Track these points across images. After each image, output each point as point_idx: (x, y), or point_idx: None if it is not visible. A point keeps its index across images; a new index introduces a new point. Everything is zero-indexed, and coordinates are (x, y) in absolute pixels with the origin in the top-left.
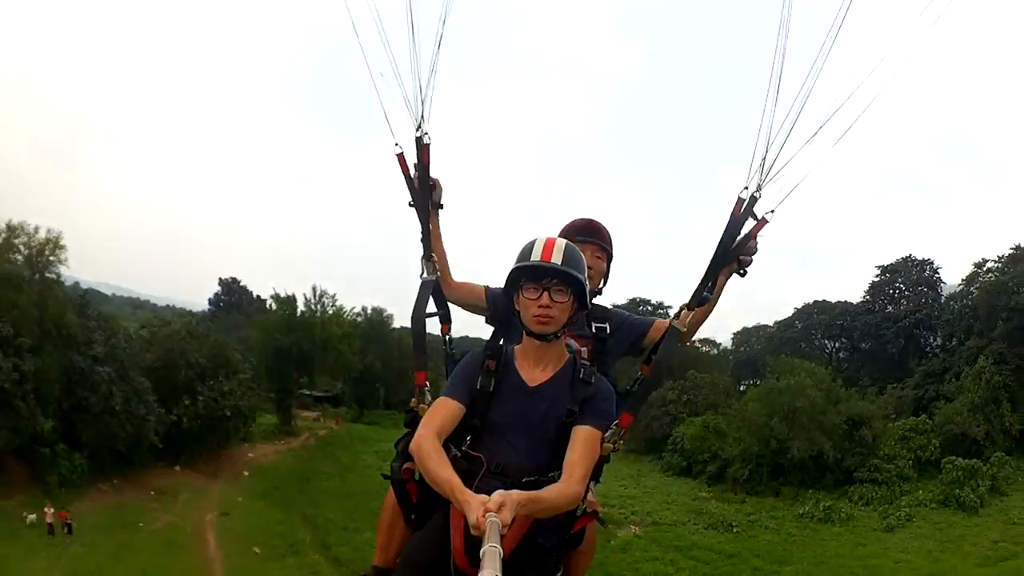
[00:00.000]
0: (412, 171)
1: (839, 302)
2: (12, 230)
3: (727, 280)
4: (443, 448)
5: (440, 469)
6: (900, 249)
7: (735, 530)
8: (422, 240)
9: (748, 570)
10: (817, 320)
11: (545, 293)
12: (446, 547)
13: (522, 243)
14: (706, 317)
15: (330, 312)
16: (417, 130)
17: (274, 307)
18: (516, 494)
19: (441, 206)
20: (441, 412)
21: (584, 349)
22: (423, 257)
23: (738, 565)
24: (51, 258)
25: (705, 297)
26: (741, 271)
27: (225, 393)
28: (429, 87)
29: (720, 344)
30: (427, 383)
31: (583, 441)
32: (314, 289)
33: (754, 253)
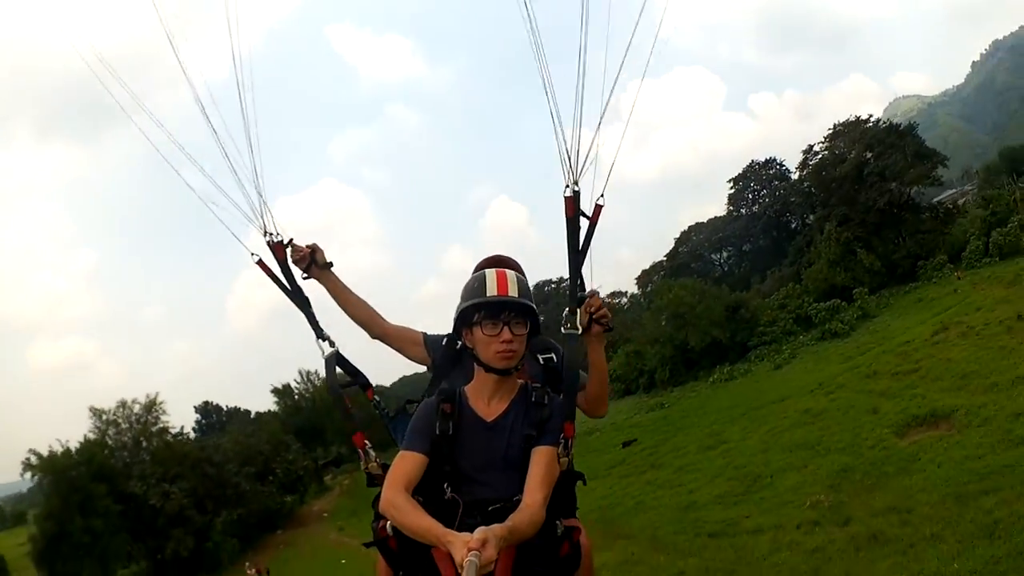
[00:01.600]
0: (277, 270)
1: (710, 219)
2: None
3: (600, 342)
4: (413, 499)
5: (416, 518)
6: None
7: (665, 407)
8: (310, 324)
9: (675, 425)
10: (697, 240)
11: (506, 328)
12: None
13: (461, 279)
14: (605, 382)
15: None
16: (266, 235)
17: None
18: (497, 528)
19: (331, 264)
20: (404, 466)
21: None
22: (317, 338)
23: (667, 422)
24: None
25: (582, 296)
26: (606, 329)
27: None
28: (265, 194)
29: (627, 292)
30: (366, 442)
31: (542, 462)
32: (301, 372)
33: (609, 318)
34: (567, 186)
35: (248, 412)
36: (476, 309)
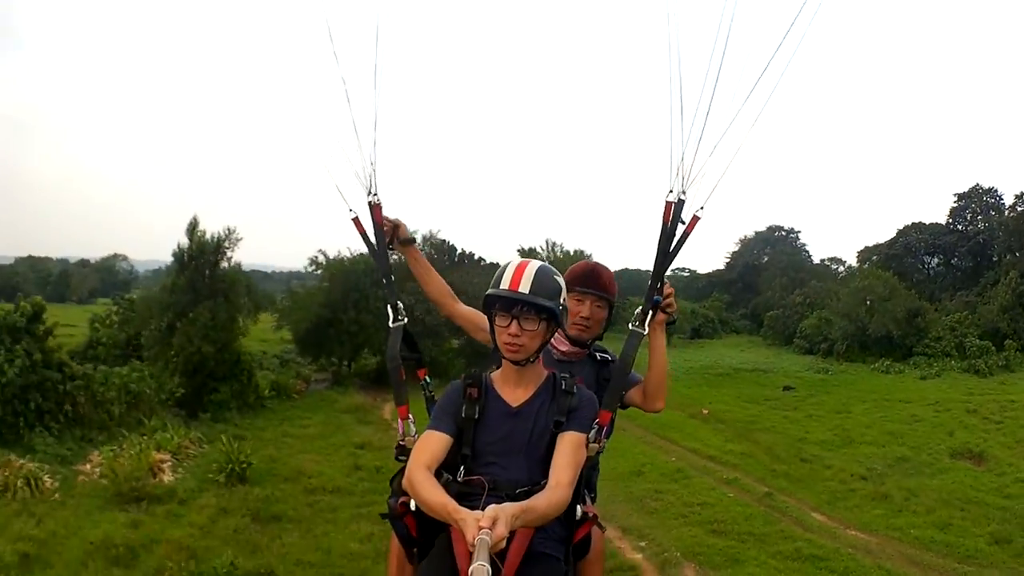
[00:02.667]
0: (370, 232)
1: (930, 223)
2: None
3: (662, 331)
4: (435, 476)
5: (433, 494)
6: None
7: (828, 372)
8: (387, 291)
9: (826, 388)
10: (914, 239)
11: (514, 322)
12: (453, 566)
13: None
14: (664, 373)
15: None
16: (369, 194)
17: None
18: (509, 507)
19: (413, 240)
20: (428, 445)
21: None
22: (390, 305)
23: (822, 385)
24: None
25: (656, 300)
26: (671, 320)
27: None
28: (376, 157)
29: (846, 262)
30: (410, 416)
31: (567, 445)
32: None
33: (675, 309)
34: (671, 190)
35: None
36: (492, 300)
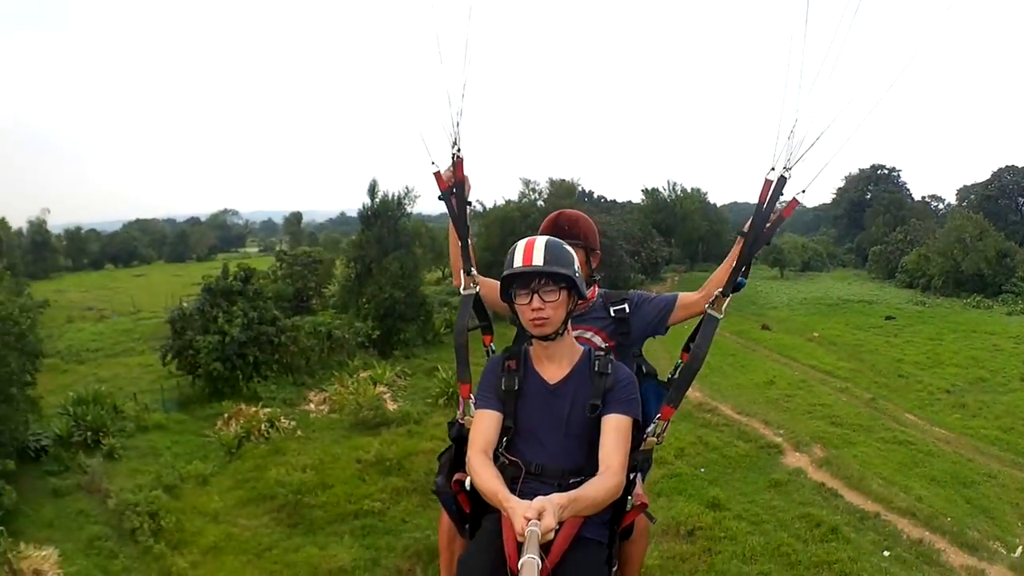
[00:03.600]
0: (448, 185)
1: None
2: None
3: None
4: (490, 461)
5: (487, 481)
6: None
7: (925, 305)
8: (462, 254)
9: (922, 318)
10: (1009, 180)
11: (535, 296)
12: (500, 553)
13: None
14: (723, 282)
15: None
16: (453, 146)
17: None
18: (557, 497)
19: (469, 203)
20: (482, 428)
21: (599, 337)
22: (464, 271)
23: (919, 316)
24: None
25: (740, 283)
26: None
27: None
28: (462, 110)
29: (945, 200)
30: (471, 396)
31: (614, 430)
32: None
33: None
34: (772, 168)
35: (618, 202)
36: (509, 281)
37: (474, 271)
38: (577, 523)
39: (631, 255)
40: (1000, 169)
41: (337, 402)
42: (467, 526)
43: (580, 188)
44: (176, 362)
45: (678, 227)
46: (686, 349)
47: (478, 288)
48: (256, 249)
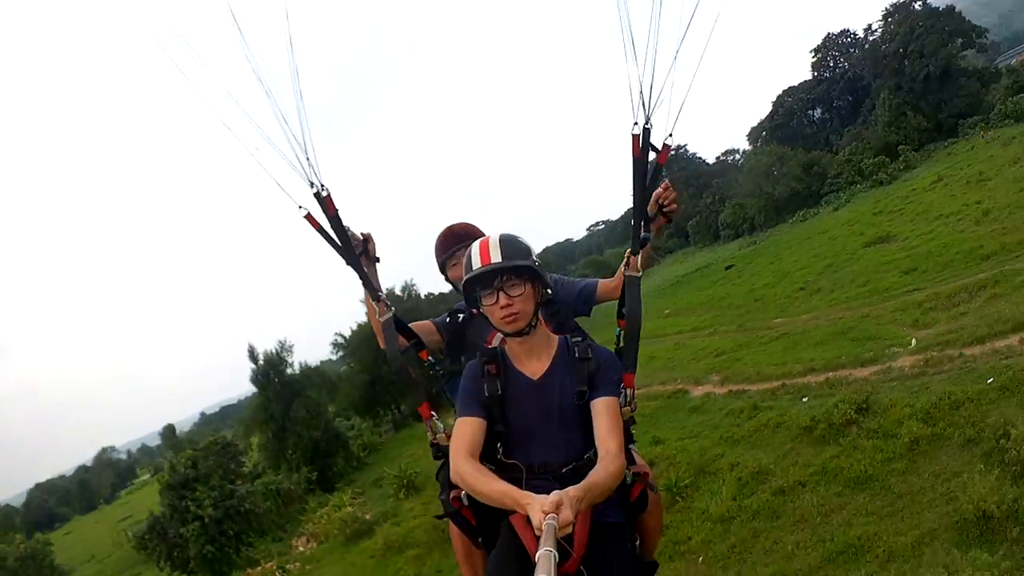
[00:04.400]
0: (326, 226)
1: (800, 83)
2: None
3: (659, 232)
4: (482, 465)
5: (489, 484)
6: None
7: (757, 243)
8: (364, 284)
9: (759, 254)
10: (791, 101)
11: (501, 293)
12: (524, 557)
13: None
14: (649, 254)
15: None
16: (312, 187)
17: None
18: (572, 490)
19: (378, 259)
20: (465, 433)
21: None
22: (373, 300)
23: (755, 253)
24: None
25: (645, 237)
26: (669, 220)
27: None
28: (311, 146)
29: (739, 149)
30: (433, 413)
31: (605, 413)
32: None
33: (674, 202)
34: (635, 122)
35: None
36: (472, 285)
37: (382, 295)
38: (590, 513)
39: None
40: (778, 96)
41: (321, 532)
42: (480, 539)
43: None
44: (169, 565)
45: None
46: (620, 316)
47: (393, 310)
48: (149, 475)
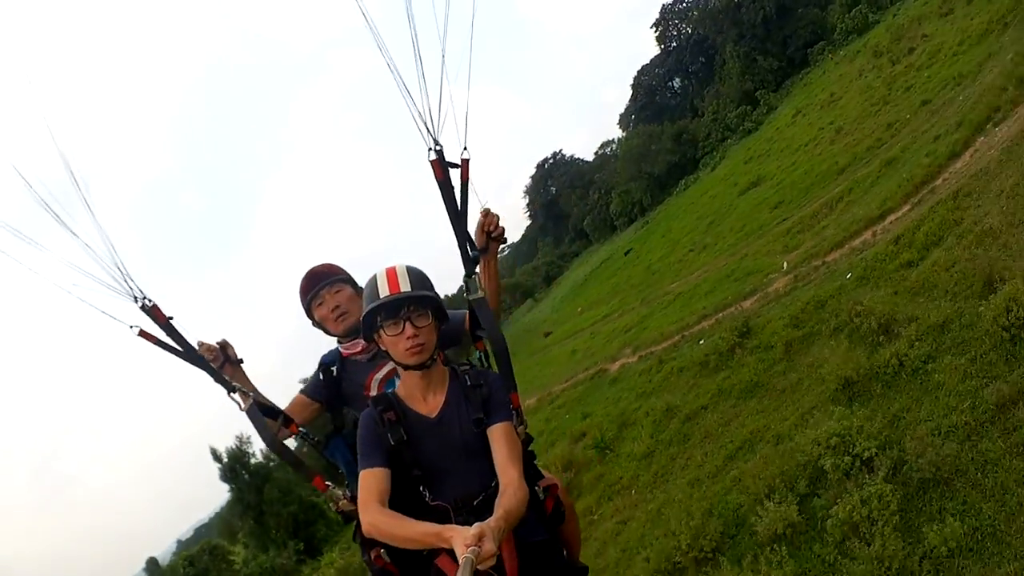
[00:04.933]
0: (162, 336)
1: (651, 59)
2: None
3: (495, 256)
4: (393, 511)
5: (407, 527)
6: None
7: (648, 222)
8: (216, 380)
9: (650, 231)
10: (646, 79)
11: (407, 324)
12: None
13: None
14: (498, 280)
15: None
16: (137, 301)
17: None
18: (492, 521)
19: (241, 360)
20: (370, 484)
21: None
22: (228, 393)
23: (647, 231)
24: None
25: (475, 256)
26: (501, 242)
27: None
28: (121, 264)
29: (614, 138)
30: (328, 484)
31: (502, 439)
32: None
33: (499, 226)
34: (430, 149)
35: None
36: (375, 313)
37: (237, 386)
38: (513, 540)
39: None
40: (635, 78)
41: None
42: None
43: None
44: None
45: None
46: (475, 338)
47: (251, 397)
48: None
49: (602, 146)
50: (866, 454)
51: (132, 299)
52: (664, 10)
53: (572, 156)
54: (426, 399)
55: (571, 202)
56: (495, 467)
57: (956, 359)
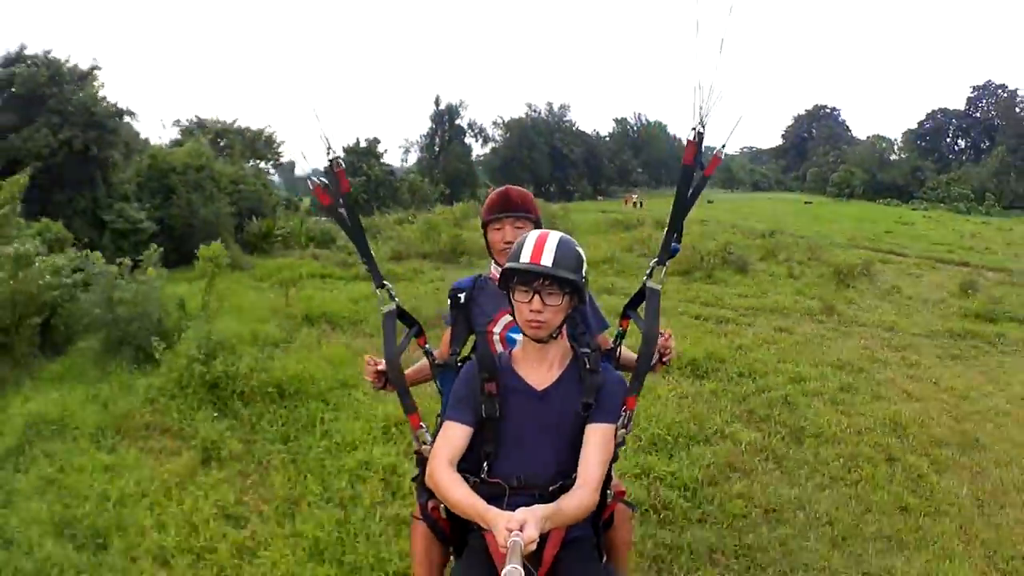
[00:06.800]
0: (333, 200)
1: (953, 109)
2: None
3: (656, 366)
4: (457, 473)
5: (460, 495)
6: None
7: (846, 200)
8: (370, 270)
9: (840, 204)
10: (941, 121)
11: (536, 296)
12: (491, 567)
13: None
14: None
15: None
16: (328, 152)
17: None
18: (539, 509)
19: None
20: (449, 439)
21: None
22: (376, 289)
23: (840, 205)
24: None
25: (675, 249)
26: (664, 360)
27: None
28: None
29: (888, 138)
30: (422, 424)
31: (598, 443)
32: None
33: (670, 354)
34: (693, 128)
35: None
36: (512, 273)
37: (387, 283)
38: (561, 534)
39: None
40: (933, 111)
41: None
42: (451, 548)
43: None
44: None
45: (644, 152)
46: (625, 316)
47: (396, 302)
48: None
49: (876, 137)
50: None
51: (327, 151)
52: (987, 85)
53: (843, 120)
54: (539, 371)
55: (817, 151)
56: (580, 462)
57: None
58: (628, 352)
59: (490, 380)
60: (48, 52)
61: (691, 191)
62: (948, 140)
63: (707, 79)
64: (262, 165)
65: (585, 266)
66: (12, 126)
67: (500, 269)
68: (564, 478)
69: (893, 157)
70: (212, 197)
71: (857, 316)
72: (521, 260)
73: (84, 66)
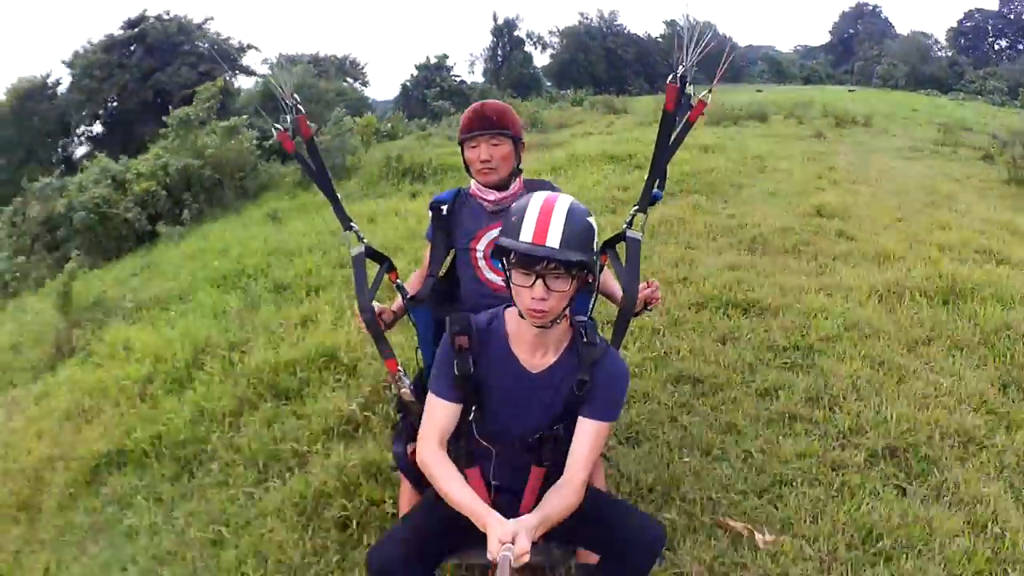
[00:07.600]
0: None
1: (989, 9)
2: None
3: (639, 312)
4: (449, 460)
5: (458, 494)
6: None
7: (885, 88)
8: (336, 213)
9: (877, 96)
10: (979, 20)
11: (539, 281)
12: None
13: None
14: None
15: None
16: (290, 99)
17: None
18: (529, 519)
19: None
20: (436, 416)
21: None
22: (344, 230)
23: (874, 95)
24: None
25: (656, 196)
26: (648, 308)
27: None
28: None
29: (931, 35)
30: (399, 369)
31: (589, 435)
32: None
33: (656, 302)
34: (674, 73)
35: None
36: (508, 249)
37: (354, 225)
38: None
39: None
40: (969, 10)
41: None
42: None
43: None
44: None
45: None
46: (603, 252)
47: (364, 243)
48: None
49: (920, 34)
50: None
51: (284, 105)
52: None
53: (885, 17)
54: (535, 351)
55: (862, 46)
56: (569, 454)
57: None
58: (611, 280)
59: (461, 334)
60: (167, 12)
61: (674, 137)
62: (989, 39)
63: (687, 22)
64: (356, 85)
65: (597, 237)
66: (153, 68)
67: (481, 187)
68: (547, 428)
69: (937, 54)
70: (328, 104)
71: (841, 139)
72: (521, 237)
73: (197, 20)
